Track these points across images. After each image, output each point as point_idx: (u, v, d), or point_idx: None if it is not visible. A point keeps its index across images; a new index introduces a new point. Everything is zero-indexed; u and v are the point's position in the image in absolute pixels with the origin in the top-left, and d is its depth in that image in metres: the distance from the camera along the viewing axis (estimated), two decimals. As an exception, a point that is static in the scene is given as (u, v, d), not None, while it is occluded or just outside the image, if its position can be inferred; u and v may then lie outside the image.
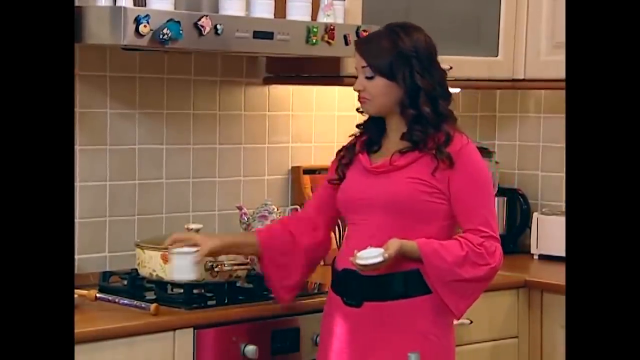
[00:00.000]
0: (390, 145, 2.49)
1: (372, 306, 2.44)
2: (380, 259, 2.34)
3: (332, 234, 2.74)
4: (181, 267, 2.59)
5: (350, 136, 2.59)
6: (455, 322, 2.52)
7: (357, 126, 2.58)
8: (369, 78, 2.44)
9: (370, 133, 2.52)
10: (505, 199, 3.71)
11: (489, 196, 2.49)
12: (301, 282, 2.63)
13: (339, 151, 2.58)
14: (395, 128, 2.48)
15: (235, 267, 2.71)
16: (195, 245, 2.54)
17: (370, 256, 2.35)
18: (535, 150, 3.75)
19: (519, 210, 3.71)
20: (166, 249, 2.60)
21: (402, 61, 2.42)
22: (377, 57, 2.43)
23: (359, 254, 2.36)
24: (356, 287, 2.44)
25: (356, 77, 2.51)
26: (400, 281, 2.42)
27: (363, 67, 2.46)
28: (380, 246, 2.37)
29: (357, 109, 2.55)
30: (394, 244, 2.37)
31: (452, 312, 2.43)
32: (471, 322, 3.09)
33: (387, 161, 2.46)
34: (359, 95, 2.49)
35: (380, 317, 2.43)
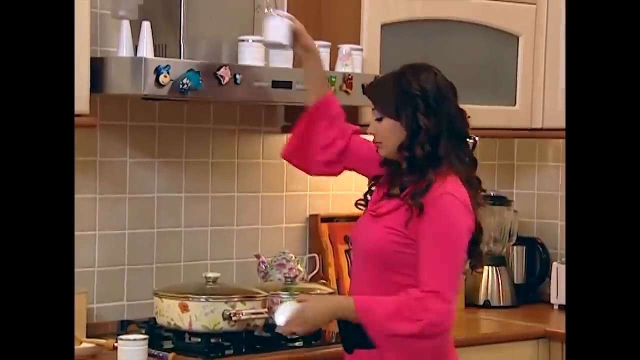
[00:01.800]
0: (393, 189, 2.46)
1: (361, 353, 2.39)
2: (282, 318, 2.30)
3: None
4: (277, 28, 2.50)
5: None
6: None
7: (380, 164, 2.53)
8: (378, 120, 2.45)
9: (390, 170, 2.50)
10: (525, 248, 3.69)
11: (448, 251, 2.32)
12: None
13: (370, 180, 2.57)
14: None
15: (253, 316, 2.70)
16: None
17: (283, 312, 2.32)
18: (554, 199, 3.73)
19: (538, 259, 3.69)
20: None
21: (406, 101, 2.40)
22: (383, 98, 2.43)
23: (277, 311, 2.34)
24: (344, 334, 2.42)
25: None
26: None
27: (373, 109, 2.47)
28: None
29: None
30: (314, 305, 2.35)
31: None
32: (491, 372, 3.06)
33: (379, 205, 2.45)
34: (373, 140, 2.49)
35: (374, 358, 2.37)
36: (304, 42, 2.58)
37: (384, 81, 2.49)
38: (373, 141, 2.49)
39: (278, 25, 2.50)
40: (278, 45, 2.59)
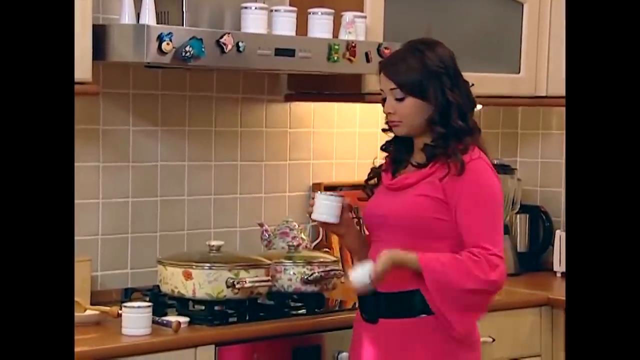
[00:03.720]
0: (416, 159, 2.47)
1: (387, 323, 2.42)
2: (367, 279, 2.33)
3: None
4: (328, 208, 2.49)
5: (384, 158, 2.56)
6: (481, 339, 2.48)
7: (382, 148, 2.55)
8: (399, 99, 2.41)
9: (397, 152, 2.50)
10: (528, 216, 3.69)
11: (495, 213, 2.39)
12: None
13: (369, 173, 2.58)
14: (422, 145, 2.46)
15: (257, 284, 2.71)
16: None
17: (358, 276, 2.35)
18: (558, 167, 3.73)
19: (541, 227, 3.69)
20: None
21: (433, 78, 2.40)
22: (407, 77, 2.40)
23: (352, 276, 2.36)
24: (372, 302, 2.43)
25: (378, 94, 2.50)
26: (419, 298, 2.39)
27: (392, 89, 2.42)
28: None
29: (383, 129, 2.52)
30: (383, 258, 2.35)
31: (453, 328, 2.36)
32: (494, 340, 3.07)
33: (401, 178, 2.45)
34: (388, 118, 2.46)
35: (397, 334, 2.41)
36: (346, 217, 2.53)
37: (402, 59, 2.44)
38: (388, 120, 2.46)
39: (330, 206, 2.50)
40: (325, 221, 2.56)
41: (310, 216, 2.54)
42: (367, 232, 2.57)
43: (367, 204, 2.54)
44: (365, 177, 2.59)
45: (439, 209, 2.38)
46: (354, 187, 3.13)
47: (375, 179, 2.54)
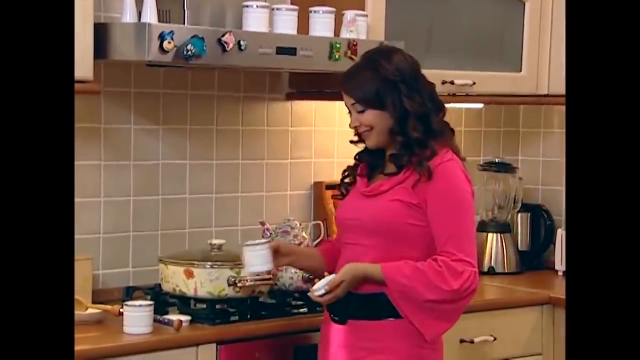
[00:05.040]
0: (388, 169, 2.47)
1: (356, 324, 2.42)
2: (322, 291, 2.35)
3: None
4: (258, 258, 2.48)
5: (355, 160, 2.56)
6: (445, 342, 2.47)
7: (356, 158, 2.54)
8: (360, 112, 2.42)
9: (372, 159, 2.50)
10: (529, 215, 3.69)
11: (462, 217, 2.37)
12: None
13: (345, 170, 2.57)
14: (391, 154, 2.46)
15: (258, 283, 2.71)
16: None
17: (315, 288, 2.37)
18: (559, 166, 3.73)
19: (542, 226, 3.69)
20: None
21: (389, 88, 2.39)
22: (362, 91, 2.40)
23: (314, 286, 2.38)
24: (342, 304, 2.41)
25: None
26: (388, 302, 2.37)
27: (352, 104, 2.43)
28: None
29: (351, 141, 2.52)
30: (346, 271, 2.37)
31: (422, 334, 2.37)
32: (495, 339, 3.07)
33: (377, 185, 2.45)
34: (358, 131, 2.46)
35: (364, 336, 2.40)
36: (283, 252, 2.51)
37: (357, 72, 2.44)
38: (357, 132, 2.46)
39: (260, 255, 2.48)
40: (262, 273, 2.57)
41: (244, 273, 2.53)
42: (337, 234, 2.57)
43: (341, 205, 2.54)
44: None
45: (412, 214, 2.38)
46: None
47: (351, 177, 2.53)
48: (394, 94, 2.39)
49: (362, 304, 2.40)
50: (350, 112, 2.46)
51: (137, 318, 2.53)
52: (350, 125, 2.47)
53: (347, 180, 2.54)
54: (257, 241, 2.51)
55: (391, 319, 2.38)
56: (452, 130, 2.48)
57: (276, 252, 2.50)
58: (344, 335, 2.44)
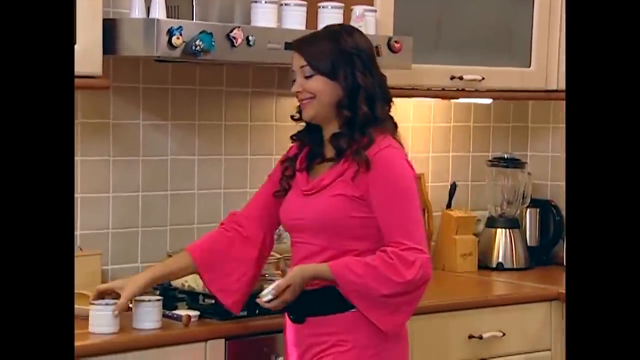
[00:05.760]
0: (328, 156, 2.42)
1: (315, 321, 2.39)
2: (269, 297, 2.33)
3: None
4: (100, 320, 2.45)
5: (290, 146, 2.51)
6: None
7: (292, 138, 2.49)
8: (307, 77, 2.37)
9: (308, 145, 2.45)
10: (538, 210, 3.68)
11: (407, 204, 2.31)
12: (246, 289, 2.54)
13: (283, 161, 2.51)
14: (330, 136, 2.41)
15: (267, 278, 2.71)
16: (115, 296, 2.45)
17: (262, 294, 2.35)
18: (568, 161, 3.72)
19: (551, 221, 3.69)
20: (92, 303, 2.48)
21: (344, 60, 2.35)
22: (318, 56, 2.35)
23: (262, 292, 2.35)
24: (296, 303, 2.38)
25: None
26: (341, 295, 2.34)
27: (302, 66, 2.38)
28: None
29: (292, 117, 2.47)
30: (293, 275, 2.34)
31: (380, 328, 2.33)
32: (504, 334, 3.07)
33: (317, 181, 2.40)
34: (298, 97, 2.41)
35: (324, 331, 2.37)
36: (135, 295, 2.46)
37: (316, 38, 2.41)
38: (299, 99, 2.40)
39: (105, 316, 2.44)
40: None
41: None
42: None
43: (283, 204, 2.48)
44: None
45: (356, 207, 2.34)
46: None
47: (291, 169, 2.47)
48: (347, 66, 2.35)
49: (316, 299, 2.37)
50: (295, 77, 2.40)
51: (146, 313, 2.54)
52: (292, 89, 2.41)
53: (287, 173, 2.47)
54: (106, 301, 2.46)
55: (350, 310, 2.35)
56: (395, 125, 2.43)
57: (121, 290, 2.44)
58: (303, 332, 2.41)
